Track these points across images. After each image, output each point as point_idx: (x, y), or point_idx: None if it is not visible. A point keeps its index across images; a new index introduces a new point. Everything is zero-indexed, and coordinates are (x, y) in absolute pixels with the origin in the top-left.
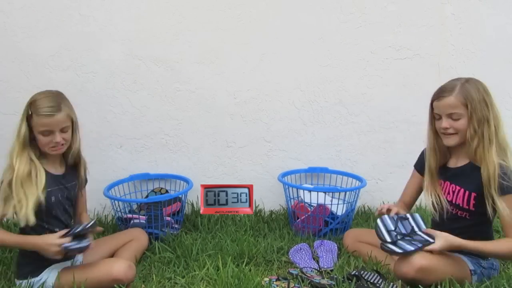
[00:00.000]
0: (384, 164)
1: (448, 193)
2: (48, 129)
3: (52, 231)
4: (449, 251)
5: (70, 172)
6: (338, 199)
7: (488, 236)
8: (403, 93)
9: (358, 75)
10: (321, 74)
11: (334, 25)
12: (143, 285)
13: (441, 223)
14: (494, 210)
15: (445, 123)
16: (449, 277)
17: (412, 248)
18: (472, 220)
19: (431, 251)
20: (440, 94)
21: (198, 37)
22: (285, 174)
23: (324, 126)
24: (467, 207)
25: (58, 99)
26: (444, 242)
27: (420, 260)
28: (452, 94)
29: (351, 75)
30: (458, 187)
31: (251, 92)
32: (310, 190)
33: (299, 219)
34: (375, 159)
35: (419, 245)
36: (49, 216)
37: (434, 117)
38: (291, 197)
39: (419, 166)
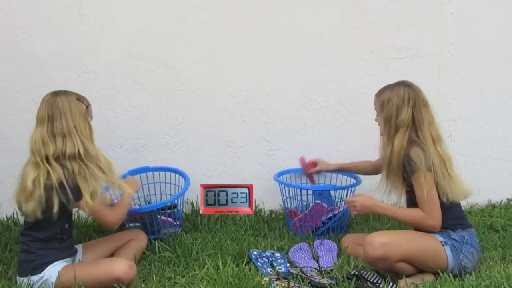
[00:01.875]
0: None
1: None
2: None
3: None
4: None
5: None
6: (335, 197)
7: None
8: None
9: (358, 75)
10: (321, 74)
11: (334, 25)
12: (143, 285)
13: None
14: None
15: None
16: (418, 248)
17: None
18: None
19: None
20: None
21: (198, 37)
22: (281, 174)
23: (324, 126)
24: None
25: None
26: (362, 199)
27: (379, 238)
28: (376, 94)
29: (351, 75)
30: None
31: (251, 92)
32: (306, 189)
33: (296, 218)
34: (375, 159)
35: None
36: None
37: None
38: (287, 196)
39: None
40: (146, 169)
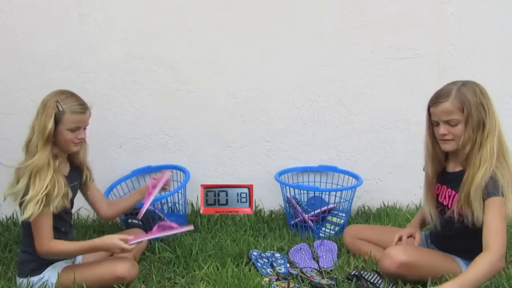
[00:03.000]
0: (384, 164)
1: (445, 197)
2: (77, 125)
3: (59, 230)
4: (442, 250)
5: (73, 172)
6: (335, 196)
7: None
8: (403, 93)
9: (358, 75)
10: (321, 74)
11: (334, 25)
12: (143, 285)
13: (438, 231)
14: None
15: (442, 129)
16: (437, 273)
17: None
18: (466, 224)
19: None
20: (436, 100)
21: (198, 37)
22: (282, 173)
23: (324, 126)
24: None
25: (81, 98)
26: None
27: (401, 256)
28: (448, 100)
29: (351, 75)
30: (453, 192)
31: (251, 92)
32: (306, 190)
33: (297, 218)
34: (375, 159)
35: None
36: (54, 216)
37: (431, 123)
38: (288, 195)
39: None
40: (148, 169)
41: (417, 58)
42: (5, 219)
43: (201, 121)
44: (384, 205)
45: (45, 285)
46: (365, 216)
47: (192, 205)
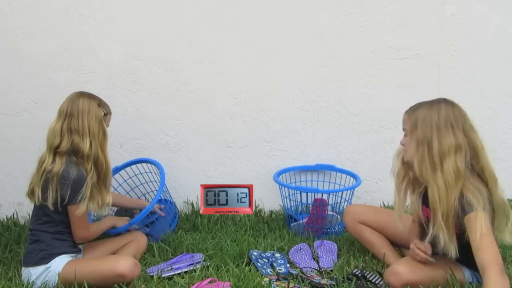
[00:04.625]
0: (384, 164)
1: (427, 216)
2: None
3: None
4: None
5: None
6: (335, 196)
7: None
8: (403, 93)
9: (358, 75)
10: (321, 74)
11: (334, 25)
12: (143, 285)
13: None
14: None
15: (402, 138)
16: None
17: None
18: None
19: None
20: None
21: (198, 37)
22: (280, 173)
23: (324, 126)
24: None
25: None
26: None
27: (408, 276)
28: (407, 111)
29: (351, 75)
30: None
31: (251, 92)
32: (306, 191)
33: (302, 221)
34: (375, 159)
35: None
36: None
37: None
38: (285, 196)
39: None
40: (115, 170)
41: (417, 58)
42: (5, 219)
43: (201, 121)
44: (384, 205)
45: (51, 275)
46: None
47: (192, 205)
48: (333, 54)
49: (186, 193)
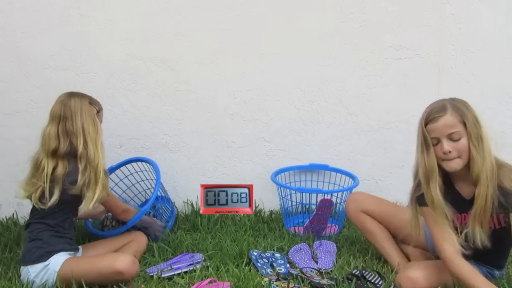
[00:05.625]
0: (384, 164)
1: (462, 222)
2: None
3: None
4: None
5: None
6: (336, 197)
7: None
8: (403, 93)
9: (358, 75)
10: (321, 74)
11: (334, 25)
12: (143, 285)
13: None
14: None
15: (446, 146)
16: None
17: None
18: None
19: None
20: (433, 115)
21: (198, 37)
22: (278, 173)
23: (324, 126)
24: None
25: None
26: None
27: (424, 283)
28: (447, 112)
29: (351, 75)
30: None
31: (251, 92)
32: (305, 192)
33: (307, 221)
34: (375, 159)
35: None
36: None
37: (428, 143)
38: (283, 196)
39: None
40: (110, 170)
41: (417, 58)
42: (5, 219)
43: (201, 121)
44: None
45: (49, 273)
46: None
47: (192, 205)
48: (333, 54)
49: (186, 193)
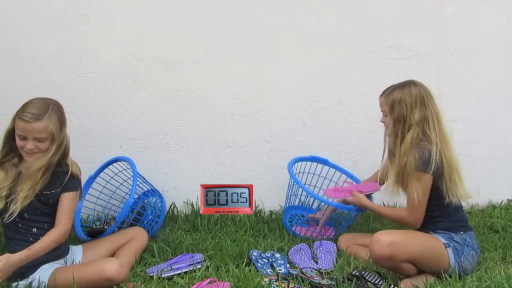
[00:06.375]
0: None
1: None
2: (22, 134)
3: (29, 231)
4: (421, 230)
5: (51, 179)
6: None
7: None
8: None
9: (358, 75)
10: (321, 74)
11: (334, 25)
12: (143, 285)
13: None
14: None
15: (382, 117)
16: (423, 249)
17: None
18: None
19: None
20: (383, 92)
21: (198, 37)
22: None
23: (324, 126)
24: None
25: (45, 109)
26: (354, 198)
27: (387, 237)
28: (382, 95)
29: (351, 75)
30: None
31: (251, 92)
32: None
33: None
34: (375, 159)
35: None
36: (21, 217)
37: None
38: (292, 193)
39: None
40: (90, 179)
41: (417, 58)
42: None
43: (201, 122)
44: (384, 205)
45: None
46: (365, 216)
47: (192, 205)
48: (333, 54)
49: (186, 193)
